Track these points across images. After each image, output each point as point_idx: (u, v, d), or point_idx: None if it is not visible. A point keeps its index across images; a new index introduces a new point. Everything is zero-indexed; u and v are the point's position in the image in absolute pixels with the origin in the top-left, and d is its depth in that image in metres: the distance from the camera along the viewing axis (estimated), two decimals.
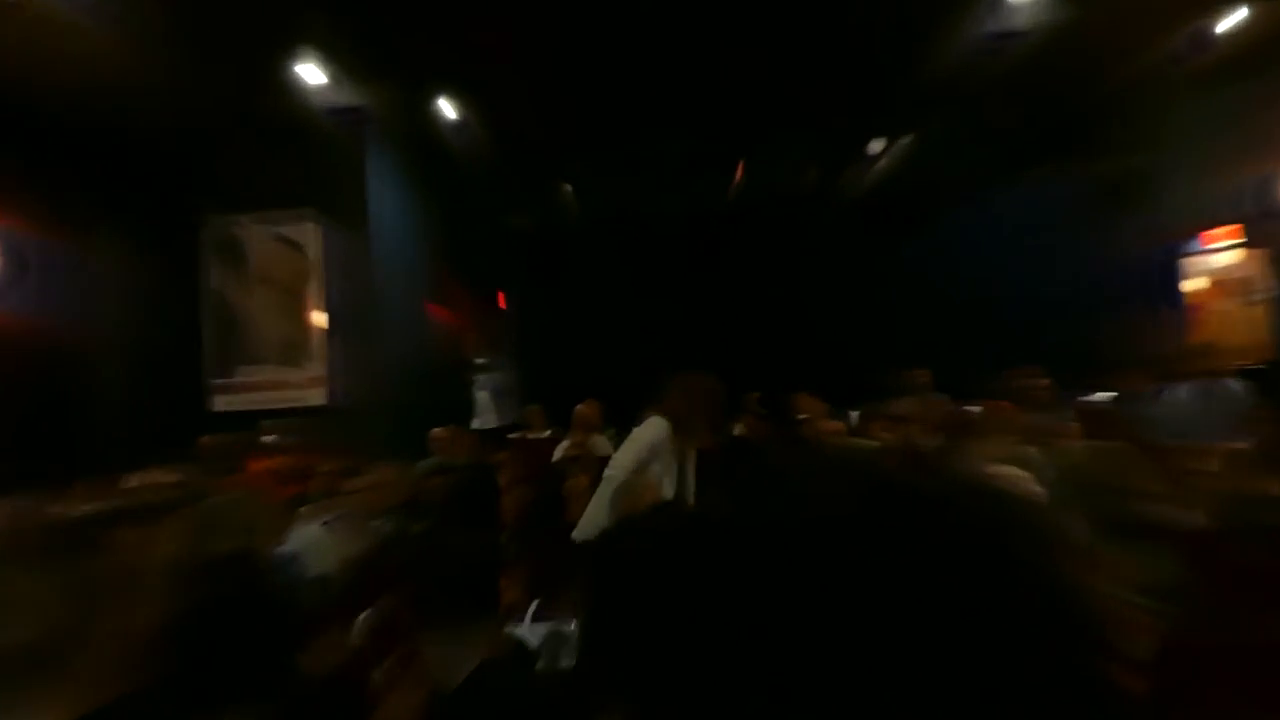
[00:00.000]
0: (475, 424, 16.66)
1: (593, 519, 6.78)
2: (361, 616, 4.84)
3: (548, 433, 14.77)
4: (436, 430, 12.55)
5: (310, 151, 16.10)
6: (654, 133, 17.86)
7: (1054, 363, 13.74)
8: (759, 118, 17.44)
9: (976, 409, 13.60)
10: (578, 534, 6.82)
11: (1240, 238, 16.84)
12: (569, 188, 20.38)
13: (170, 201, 16.49)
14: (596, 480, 8.82)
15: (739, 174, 20.01)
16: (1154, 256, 16.73)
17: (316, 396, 16.19)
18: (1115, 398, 13.68)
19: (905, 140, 18.69)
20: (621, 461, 6.47)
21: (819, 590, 0.85)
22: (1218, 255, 17.64)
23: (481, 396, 17.96)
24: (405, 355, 17.02)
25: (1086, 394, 14.11)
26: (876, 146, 18.99)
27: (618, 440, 13.26)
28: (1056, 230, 17.79)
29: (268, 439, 13.66)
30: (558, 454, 11.69)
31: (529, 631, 4.55)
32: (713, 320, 19.15)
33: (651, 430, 6.58)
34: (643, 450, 6.23)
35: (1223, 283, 17.77)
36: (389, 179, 17.32)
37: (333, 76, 14.79)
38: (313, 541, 6.72)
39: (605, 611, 0.96)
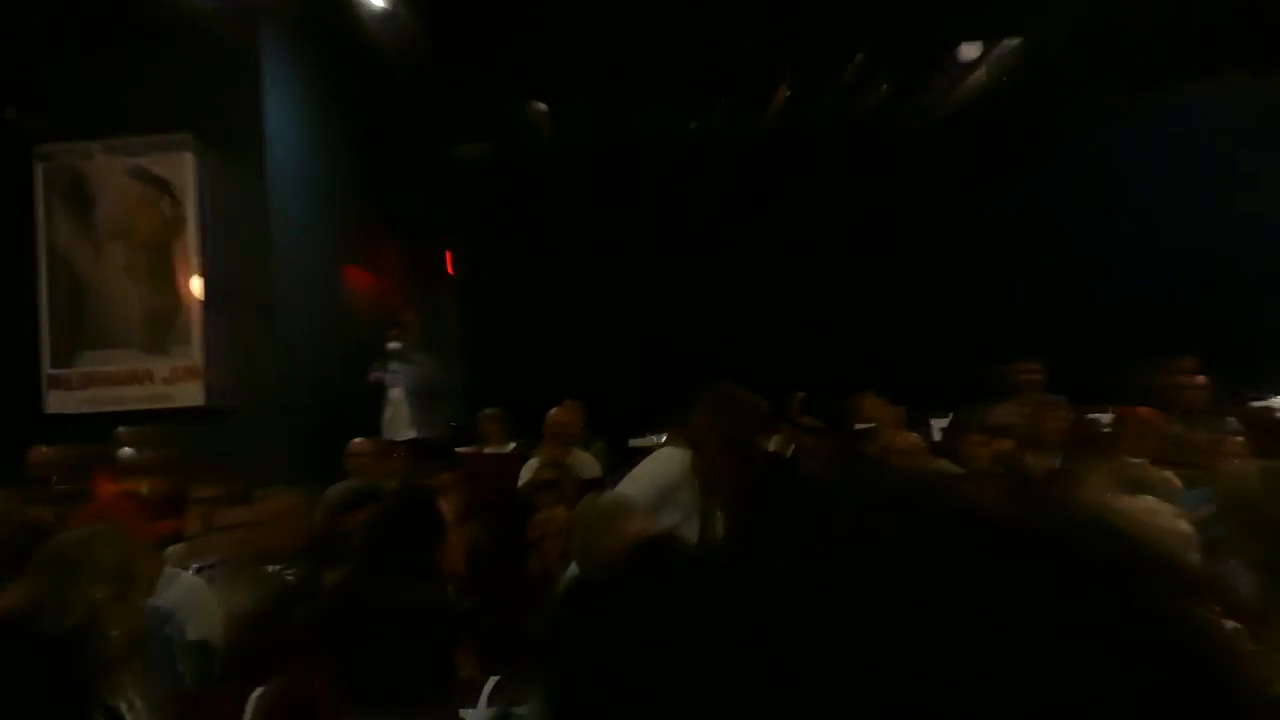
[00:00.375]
0: (386, 434, 16.53)
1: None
2: (255, 694, 4.89)
3: (511, 446, 14.83)
4: (356, 442, 12.59)
5: (184, 53, 16.13)
6: (658, 30, 17.91)
7: (1215, 352, 13.77)
8: (803, 13, 17.50)
9: (1105, 417, 13.66)
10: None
11: None
12: (541, 106, 20.41)
13: None
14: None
15: (779, 92, 20.04)
16: None
17: (190, 394, 16.25)
18: None
19: (1010, 44, 18.72)
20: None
21: (860, 673, 0.87)
22: None
23: (395, 394, 17.68)
24: (311, 338, 17.03)
25: (1258, 397, 14.19)
26: (969, 52, 19.01)
27: (607, 459, 13.35)
28: (1218, 169, 17.82)
29: (125, 452, 13.71)
30: (525, 475, 11.73)
31: None
32: (739, 291, 19.08)
33: (662, 465, 6.38)
34: (649, 493, 5.98)
35: None
36: (292, 93, 17.34)
37: None
38: (188, 594, 6.79)
39: (568, 693, 0.97)
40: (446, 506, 9.86)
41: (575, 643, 1.04)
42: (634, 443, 14.89)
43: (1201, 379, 12.36)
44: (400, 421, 15.97)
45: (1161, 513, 5.46)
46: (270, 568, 8.24)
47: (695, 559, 0.97)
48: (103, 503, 12.62)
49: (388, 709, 3.58)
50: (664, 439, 15.28)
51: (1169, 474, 7.67)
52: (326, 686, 3.65)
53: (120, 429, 14.03)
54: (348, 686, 3.60)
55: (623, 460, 13.38)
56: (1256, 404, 14.10)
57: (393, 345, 15.84)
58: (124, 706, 4.74)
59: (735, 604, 0.86)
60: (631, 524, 5.32)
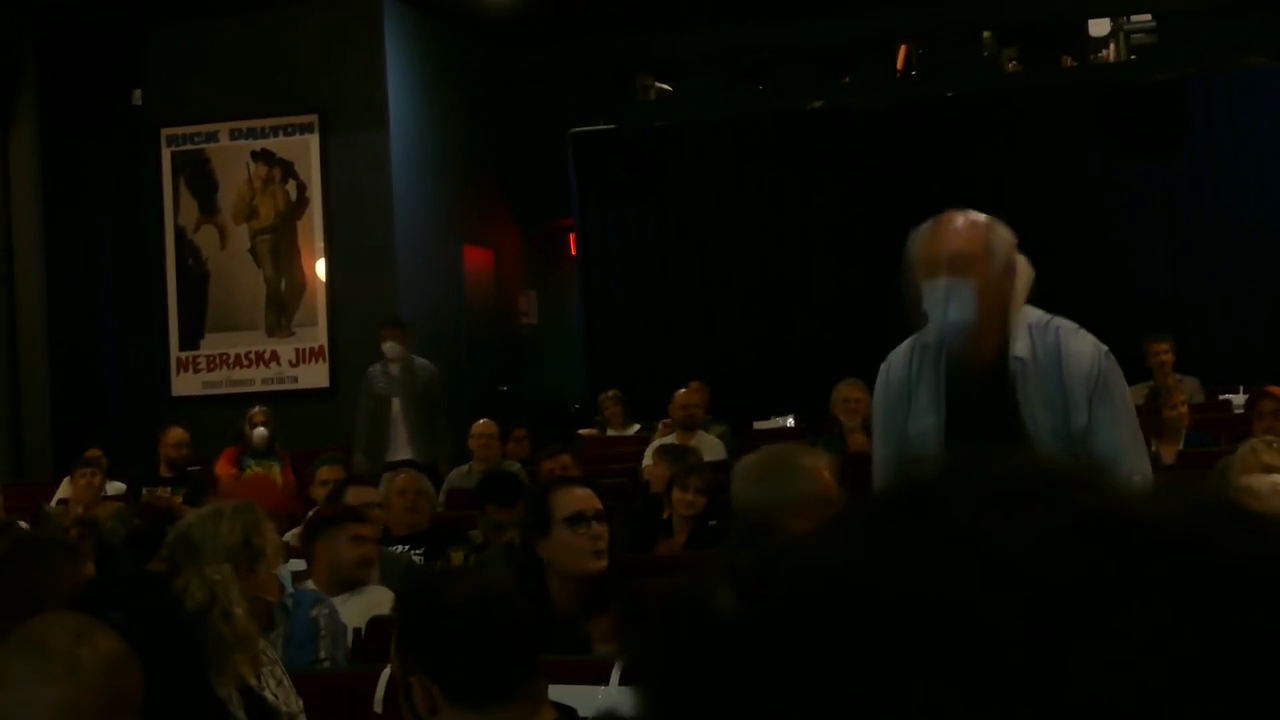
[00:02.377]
0: (369, 452, 14.14)
1: None
2: (385, 673, 4.97)
3: (634, 429, 14.85)
4: (480, 424, 12.62)
5: (308, 34, 16.28)
6: (780, 4, 17.88)
7: None
8: None
9: (1238, 398, 13.48)
10: None
11: None
12: (661, 84, 20.40)
13: (113, 104, 16.76)
14: (699, 499, 8.88)
15: (900, 61, 19.95)
16: None
17: (314, 375, 16.40)
18: None
19: (1143, 19, 18.57)
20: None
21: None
22: None
23: (395, 407, 14.96)
24: (434, 319, 17.06)
25: None
26: (1099, 28, 18.86)
27: (732, 442, 13.32)
28: None
29: (255, 433, 13.76)
30: (647, 458, 11.75)
31: (616, 699, 4.60)
32: (867, 271, 18.85)
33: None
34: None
35: None
36: (414, 73, 17.44)
37: None
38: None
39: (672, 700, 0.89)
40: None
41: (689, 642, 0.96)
42: (759, 425, 14.85)
43: None
44: (399, 440, 14.12)
45: None
46: (396, 548, 8.34)
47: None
48: (226, 483, 12.82)
49: (475, 699, 3.59)
50: (789, 421, 15.26)
51: None
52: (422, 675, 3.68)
53: (253, 409, 14.10)
54: (438, 676, 3.63)
55: (747, 444, 13.37)
56: None
57: (388, 346, 14.07)
58: (265, 683, 4.83)
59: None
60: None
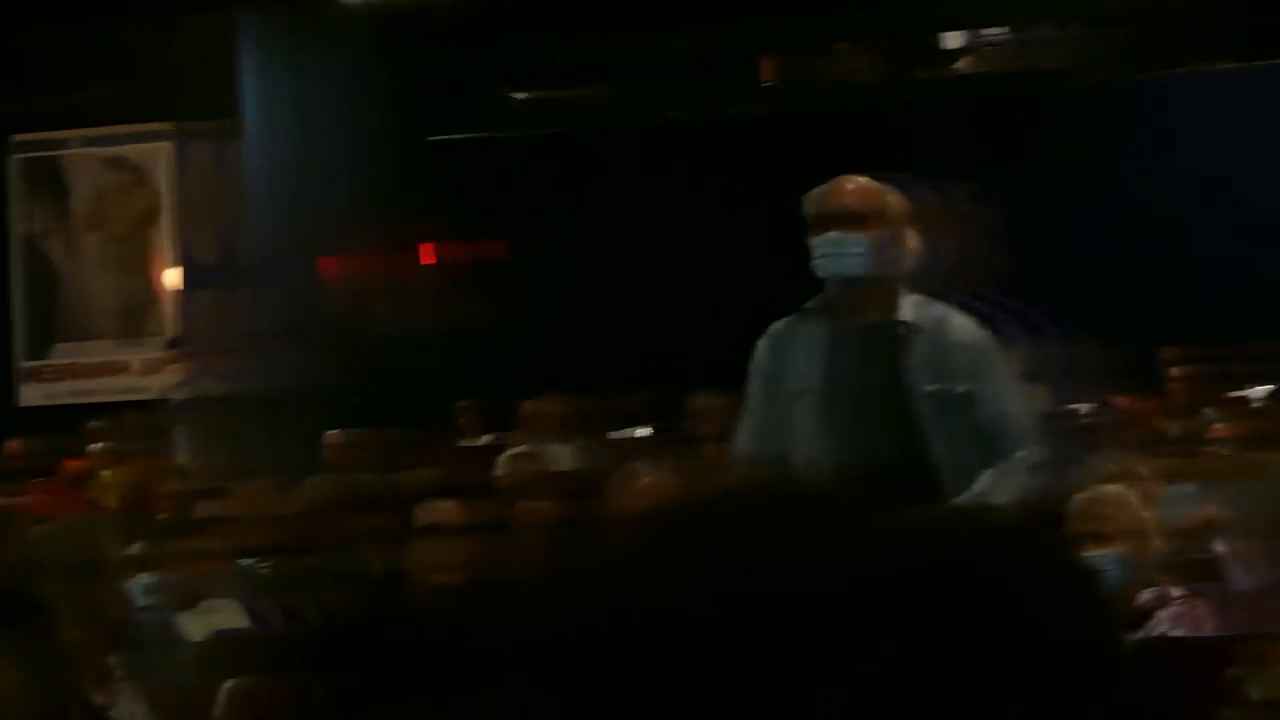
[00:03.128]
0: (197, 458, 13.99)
1: None
2: (225, 687, 4.95)
3: (486, 439, 14.79)
4: (334, 433, 12.57)
5: (161, 42, 16.11)
6: (641, 15, 17.91)
7: (1197, 343, 13.85)
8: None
9: (1084, 408, 13.66)
10: None
11: None
12: (520, 94, 20.39)
13: None
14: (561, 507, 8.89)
15: (764, 73, 20.04)
16: None
17: (166, 385, 16.22)
18: (1274, 392, 13.77)
19: (997, 33, 18.80)
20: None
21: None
22: None
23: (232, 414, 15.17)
24: (289, 327, 16.96)
25: (1236, 387, 14.21)
26: (954, 41, 19.07)
27: (589, 452, 13.30)
28: (1217, 161, 17.77)
29: (95, 446, 13.60)
30: (500, 468, 11.70)
31: None
32: (729, 279, 18.89)
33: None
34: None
35: None
36: (270, 80, 17.31)
37: None
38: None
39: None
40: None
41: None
42: (614, 436, 14.84)
43: (1184, 369, 12.40)
44: (243, 449, 13.60)
45: (1131, 502, 5.58)
46: (246, 561, 8.27)
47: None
48: (64, 495, 12.62)
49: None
50: (645, 432, 15.26)
51: (1151, 465, 7.73)
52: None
53: (93, 423, 13.93)
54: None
55: (605, 454, 13.36)
56: (1234, 394, 14.14)
57: (176, 368, 13.45)
58: (115, 702, 4.79)
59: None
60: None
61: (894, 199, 5.27)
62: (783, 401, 5.36)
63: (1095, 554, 5.25)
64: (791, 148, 17.33)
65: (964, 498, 4.91)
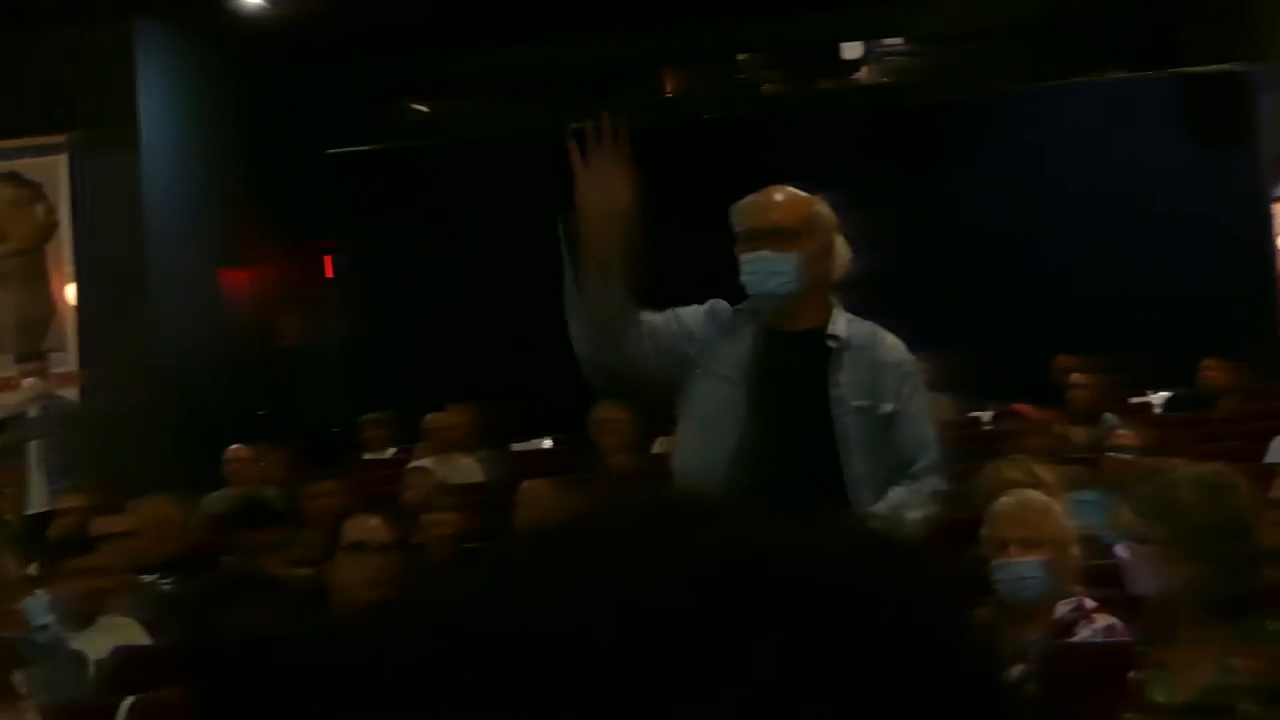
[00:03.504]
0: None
1: None
2: (126, 704, 4.90)
3: (390, 452, 14.75)
4: (234, 448, 12.50)
5: (56, 54, 15.98)
6: (540, 26, 17.93)
7: (1099, 349, 13.96)
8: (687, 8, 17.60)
9: (986, 415, 13.78)
10: None
11: None
12: (420, 106, 20.35)
13: None
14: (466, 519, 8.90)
15: (666, 83, 20.13)
16: (1245, 202, 16.96)
17: (21, 400, 16.03)
18: (1172, 399, 13.96)
19: (894, 42, 18.93)
20: None
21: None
22: None
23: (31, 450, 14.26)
24: (189, 342, 16.87)
25: (1138, 393, 14.38)
26: (853, 51, 19.22)
27: (495, 464, 13.29)
28: (1105, 166, 17.96)
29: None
30: (407, 481, 11.66)
31: None
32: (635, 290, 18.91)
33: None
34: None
35: None
36: (168, 93, 17.21)
37: None
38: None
39: None
40: (328, 513, 9.86)
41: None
42: (518, 447, 14.85)
43: (1085, 376, 12.51)
44: (32, 488, 13.09)
45: (1055, 510, 5.62)
46: (145, 577, 8.21)
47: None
48: None
49: None
50: (548, 443, 15.28)
51: (1053, 470, 7.80)
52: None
53: None
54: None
55: (509, 466, 13.35)
56: (1136, 400, 14.29)
57: (30, 383, 13.16)
58: (19, 718, 4.74)
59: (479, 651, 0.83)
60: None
61: (823, 210, 5.26)
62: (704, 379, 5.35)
63: (1019, 561, 5.28)
64: (694, 157, 17.39)
65: (873, 512, 4.93)
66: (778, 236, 5.11)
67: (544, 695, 0.81)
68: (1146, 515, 4.30)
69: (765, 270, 5.12)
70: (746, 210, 5.28)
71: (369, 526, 5.71)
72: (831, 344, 5.16)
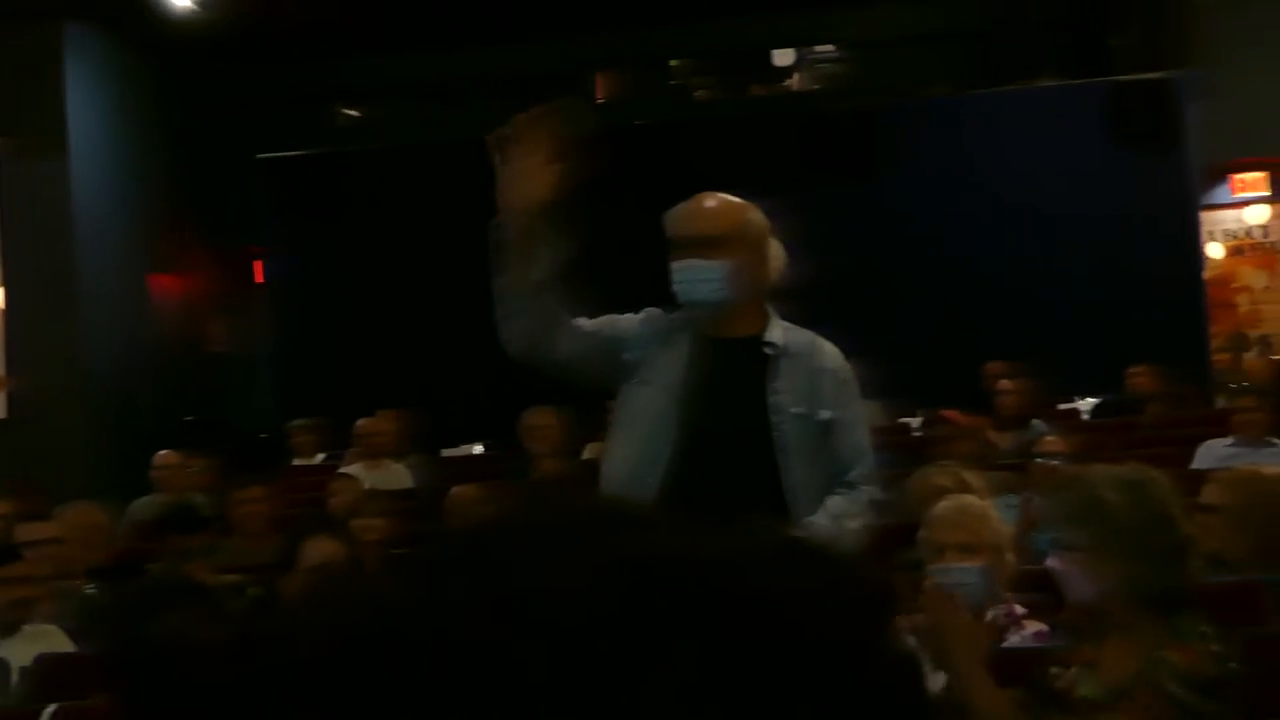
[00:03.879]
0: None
1: None
2: (48, 711, 4.86)
3: (319, 458, 14.69)
4: (162, 454, 12.42)
5: None
6: (470, 31, 17.90)
7: (1026, 355, 14.04)
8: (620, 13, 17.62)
9: (914, 421, 13.84)
10: None
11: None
12: (351, 110, 20.30)
13: None
14: (396, 525, 8.86)
15: (599, 90, 20.15)
16: (1173, 208, 17.08)
17: None
18: (1099, 405, 14.05)
19: (826, 49, 19.01)
20: None
21: None
22: (1250, 209, 18.16)
23: None
24: (117, 346, 16.78)
25: (1065, 400, 14.47)
26: (785, 58, 19.27)
27: (423, 470, 13.26)
28: (1033, 171, 18.05)
29: None
30: (336, 489, 11.61)
31: None
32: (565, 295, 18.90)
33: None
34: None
35: (1259, 247, 18.35)
36: (97, 94, 17.12)
37: None
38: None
39: None
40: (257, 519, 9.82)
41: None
42: (448, 453, 14.82)
43: (1013, 382, 12.55)
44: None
45: (992, 515, 5.64)
46: (71, 583, 8.14)
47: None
48: None
49: None
50: (478, 449, 15.25)
51: (981, 476, 7.84)
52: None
53: None
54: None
55: (439, 472, 13.32)
56: (1064, 406, 14.38)
57: None
58: None
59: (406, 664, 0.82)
60: None
61: (755, 217, 5.25)
62: (607, 334, 5.34)
63: (957, 566, 5.29)
64: (627, 164, 17.39)
65: (811, 521, 4.93)
66: (707, 244, 5.10)
67: (455, 700, 0.81)
68: (1071, 521, 4.32)
69: (695, 278, 5.12)
70: (677, 218, 5.27)
71: (328, 547, 5.72)
72: (769, 351, 5.15)
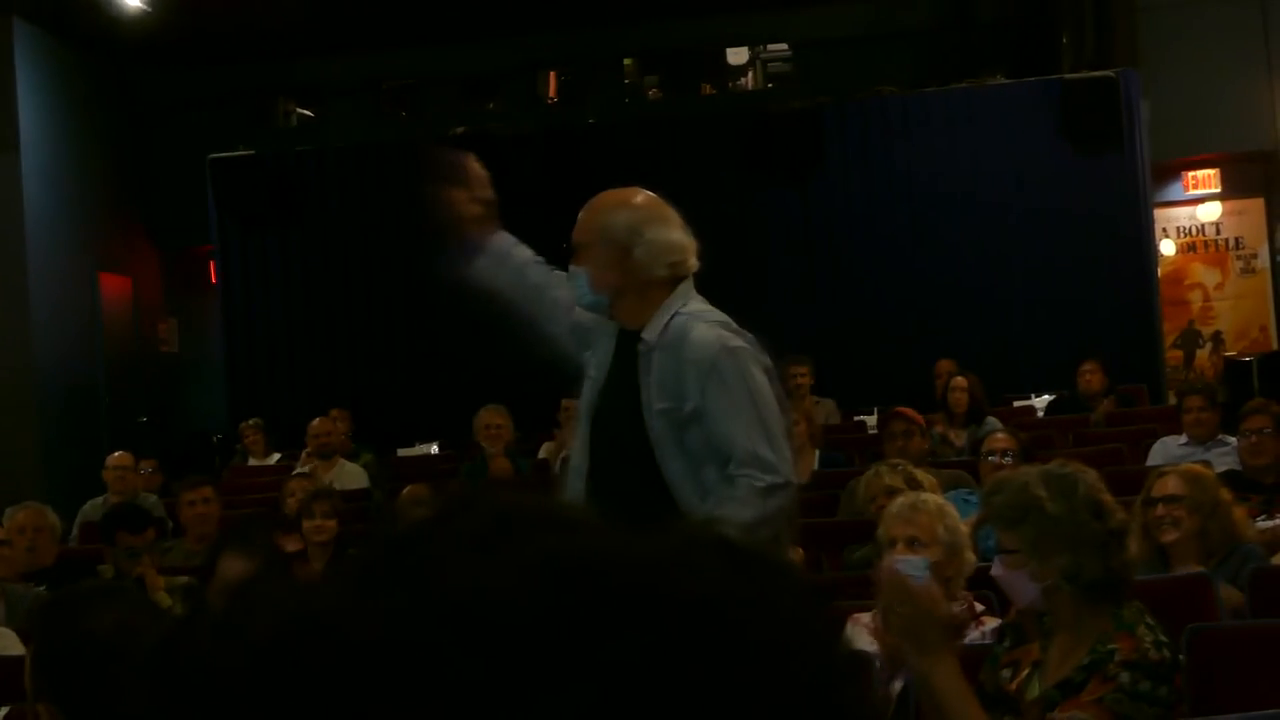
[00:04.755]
0: None
1: None
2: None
3: (274, 458, 14.66)
4: (114, 456, 12.37)
5: None
6: (422, 32, 17.87)
7: (977, 353, 14.10)
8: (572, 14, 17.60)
9: (870, 419, 13.88)
10: None
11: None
12: (303, 111, 20.25)
13: None
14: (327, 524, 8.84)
15: (550, 88, 20.13)
16: (1124, 205, 17.13)
17: None
18: (1053, 402, 14.11)
19: (778, 48, 19.04)
20: None
21: None
22: (1203, 206, 18.30)
23: None
24: (67, 347, 16.71)
25: (1019, 396, 14.54)
26: (738, 57, 19.29)
27: (376, 470, 13.25)
28: (989, 171, 18.10)
29: None
30: (289, 489, 11.58)
31: None
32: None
33: None
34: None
35: (1211, 244, 18.49)
36: (47, 96, 17.04)
37: None
38: None
39: None
40: (207, 520, 9.78)
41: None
42: (403, 453, 14.82)
43: (966, 379, 12.59)
44: None
45: (948, 512, 5.67)
46: (20, 585, 8.11)
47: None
48: None
49: None
50: (434, 449, 15.26)
51: (931, 474, 7.87)
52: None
53: None
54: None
55: (392, 472, 13.32)
56: (1019, 404, 14.43)
57: None
58: None
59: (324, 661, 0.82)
60: None
61: (619, 218, 5.22)
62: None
63: (903, 558, 5.28)
64: (577, 162, 17.38)
65: (694, 514, 4.91)
66: (576, 250, 5.18)
67: (384, 702, 0.81)
68: (1007, 524, 4.35)
69: (573, 283, 5.21)
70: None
71: (240, 566, 5.69)
72: (640, 347, 5.17)
